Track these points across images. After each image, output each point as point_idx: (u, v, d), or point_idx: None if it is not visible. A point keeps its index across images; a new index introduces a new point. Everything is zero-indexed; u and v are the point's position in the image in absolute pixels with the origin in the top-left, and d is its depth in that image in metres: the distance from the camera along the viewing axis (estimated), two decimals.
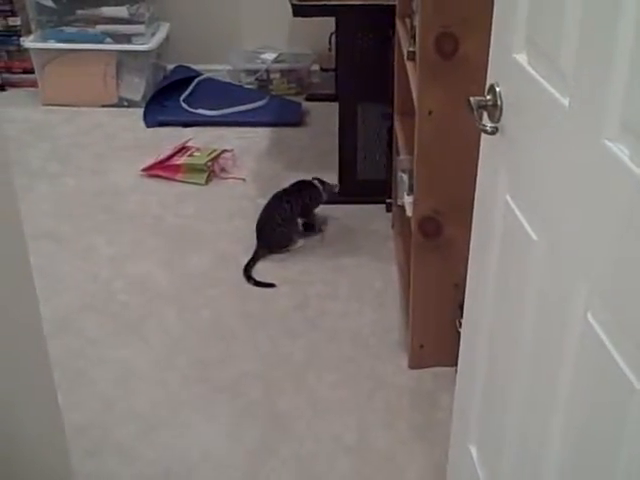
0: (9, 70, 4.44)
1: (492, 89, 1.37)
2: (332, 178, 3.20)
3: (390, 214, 3.12)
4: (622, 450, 0.97)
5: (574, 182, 1.08)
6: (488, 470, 1.62)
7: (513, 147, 1.35)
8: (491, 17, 1.39)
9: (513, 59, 1.29)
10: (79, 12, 4.14)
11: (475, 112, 1.40)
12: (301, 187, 3.02)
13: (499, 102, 1.36)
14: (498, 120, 1.38)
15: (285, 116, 4.05)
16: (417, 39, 2.08)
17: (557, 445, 1.19)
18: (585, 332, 1.06)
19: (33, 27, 4.18)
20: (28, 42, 4.16)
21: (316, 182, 3.04)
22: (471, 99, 1.40)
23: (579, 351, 1.09)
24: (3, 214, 1.33)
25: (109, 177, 3.49)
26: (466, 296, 1.72)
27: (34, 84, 4.30)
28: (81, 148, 3.76)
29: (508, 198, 1.39)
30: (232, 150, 3.64)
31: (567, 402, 1.14)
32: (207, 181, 3.45)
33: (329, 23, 3.77)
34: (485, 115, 1.41)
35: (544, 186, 1.22)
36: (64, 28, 4.15)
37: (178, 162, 3.48)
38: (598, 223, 1.00)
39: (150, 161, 3.50)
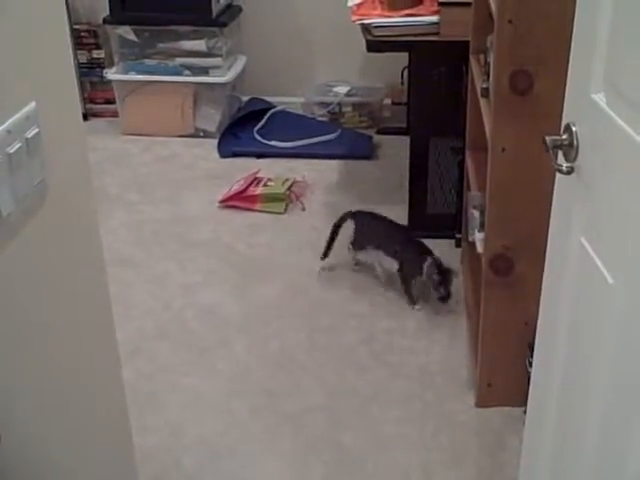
0: (92, 100, 4.60)
1: (568, 128, 1.36)
2: (402, 211, 3.20)
3: (459, 249, 3.10)
4: None
5: None
6: None
7: (589, 187, 1.33)
8: (567, 55, 1.38)
9: (591, 99, 1.27)
10: (160, 45, 4.28)
11: (551, 151, 1.39)
12: (418, 250, 2.80)
13: (575, 142, 1.35)
14: (574, 160, 1.36)
15: (356, 149, 4.07)
16: (491, 76, 2.09)
17: None
18: None
19: (116, 60, 4.33)
20: (111, 74, 4.32)
21: (430, 258, 2.71)
22: (547, 138, 1.38)
23: None
24: (86, 240, 1.38)
25: (184, 206, 3.57)
26: (537, 337, 1.69)
27: (115, 114, 4.45)
28: (157, 177, 3.87)
29: (583, 240, 1.37)
30: (304, 178, 3.70)
31: None
32: (285, 210, 3.50)
33: (402, 57, 3.79)
34: (560, 155, 1.39)
35: (621, 228, 1.20)
36: (145, 61, 4.29)
37: (255, 192, 3.54)
38: None
39: (224, 191, 3.57)
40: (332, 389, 2.39)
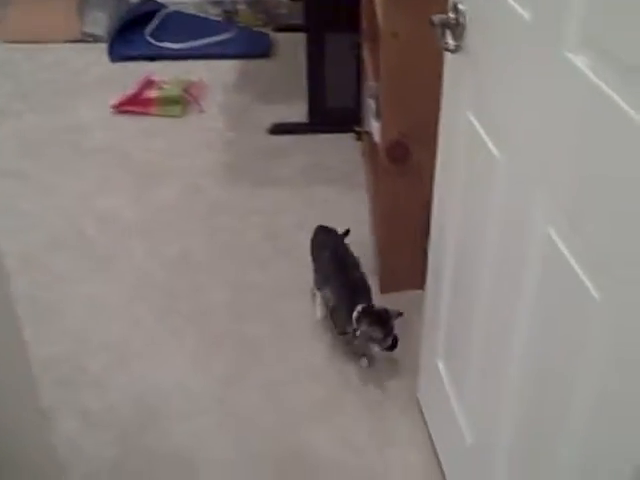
0: None
1: (455, 7, 1.35)
2: (302, 107, 3.16)
3: (360, 142, 3.09)
4: (581, 360, 0.98)
5: (535, 96, 1.07)
6: (455, 383, 1.64)
7: (475, 64, 1.33)
8: None
9: None
10: None
11: (438, 30, 1.38)
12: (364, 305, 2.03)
13: (462, 20, 1.34)
14: (461, 38, 1.36)
15: (253, 48, 3.96)
16: None
17: (520, 356, 1.20)
18: (546, 246, 1.06)
19: None
20: None
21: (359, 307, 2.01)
22: (434, 17, 1.38)
23: (541, 265, 1.09)
24: None
25: (75, 114, 3.41)
26: (432, 215, 1.71)
27: None
28: (46, 85, 3.67)
29: (470, 116, 1.38)
30: (200, 80, 3.58)
31: (530, 315, 1.15)
32: (183, 112, 3.39)
33: None
34: (448, 33, 1.38)
35: (505, 101, 1.20)
36: None
37: (151, 96, 3.41)
38: (559, 136, 1.00)
39: (118, 97, 3.42)
40: (235, 286, 2.38)
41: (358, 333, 1.98)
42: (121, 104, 3.41)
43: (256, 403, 1.98)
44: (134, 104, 3.40)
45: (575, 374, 1.00)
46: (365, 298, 2.05)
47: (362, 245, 2.48)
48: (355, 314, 1.98)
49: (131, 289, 2.39)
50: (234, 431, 1.90)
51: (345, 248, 2.22)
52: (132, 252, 2.55)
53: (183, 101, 3.41)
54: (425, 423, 1.88)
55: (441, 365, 1.72)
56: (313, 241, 2.28)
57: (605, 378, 0.93)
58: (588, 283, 0.94)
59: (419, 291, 2.22)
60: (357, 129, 3.11)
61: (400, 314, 2.02)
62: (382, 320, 1.97)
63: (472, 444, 1.51)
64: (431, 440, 1.83)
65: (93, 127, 3.30)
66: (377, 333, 1.96)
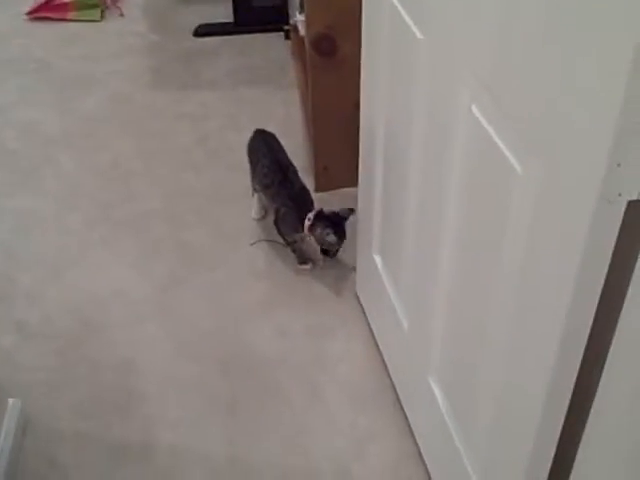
0: None
1: None
2: (227, 7, 3.05)
3: (289, 41, 3.01)
4: (507, 232, 1.00)
5: None
6: (391, 273, 1.66)
7: None
8: None
9: None
10: None
11: None
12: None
13: None
14: None
15: None
16: None
17: (449, 237, 1.22)
18: (471, 124, 1.06)
19: None
20: None
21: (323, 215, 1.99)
22: None
23: (466, 143, 1.09)
24: None
25: None
26: (361, 107, 1.69)
27: None
28: None
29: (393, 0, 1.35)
30: None
31: (457, 194, 1.16)
32: (102, 17, 3.24)
33: None
34: None
35: None
36: None
37: (66, 0, 3.24)
38: (479, 15, 0.98)
39: (31, 3, 3.24)
40: (169, 192, 2.34)
41: (310, 239, 1.99)
42: (35, 10, 3.25)
43: (197, 306, 1.98)
44: (49, 10, 3.24)
45: (499, 248, 1.02)
46: (311, 206, 2.03)
47: (295, 146, 2.46)
48: (307, 222, 1.97)
49: (61, 200, 2.33)
50: (176, 335, 1.90)
51: (285, 154, 2.14)
52: (59, 163, 2.47)
53: (101, 4, 3.26)
54: (365, 316, 1.92)
55: (377, 258, 1.74)
56: (251, 145, 2.18)
57: (528, 249, 0.94)
58: (510, 157, 0.95)
59: (354, 189, 2.23)
60: (285, 27, 3.02)
61: (351, 210, 1.98)
62: (335, 223, 1.96)
63: (409, 330, 1.55)
64: (372, 332, 1.87)
65: (8, 36, 3.14)
66: (331, 237, 1.95)
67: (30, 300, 2.00)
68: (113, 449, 1.65)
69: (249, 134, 2.18)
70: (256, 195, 2.20)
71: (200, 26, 3.14)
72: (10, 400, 1.66)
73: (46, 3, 3.24)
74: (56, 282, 2.05)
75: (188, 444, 1.66)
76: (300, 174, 2.12)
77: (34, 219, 2.26)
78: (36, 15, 3.24)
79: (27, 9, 3.25)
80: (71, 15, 3.23)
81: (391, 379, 1.75)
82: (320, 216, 1.98)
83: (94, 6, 3.24)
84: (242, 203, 2.27)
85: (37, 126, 2.63)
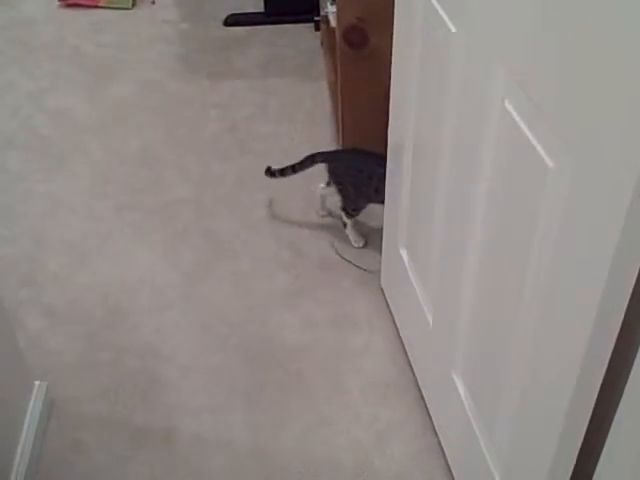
0: None
1: None
2: None
3: (319, 33, 3.01)
4: (537, 229, 0.99)
5: None
6: (417, 268, 1.66)
7: None
8: None
9: None
10: None
11: None
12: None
13: None
14: None
15: None
16: None
17: (479, 233, 1.21)
18: (503, 118, 1.05)
19: None
20: None
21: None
22: None
23: (497, 137, 1.08)
24: None
25: (20, 9, 3.26)
26: (391, 99, 1.69)
27: None
28: None
29: None
30: None
31: (488, 188, 1.15)
32: (132, 4, 3.25)
33: None
34: None
35: None
36: None
37: None
38: (514, 9, 0.98)
39: None
40: (197, 180, 2.35)
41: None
42: None
43: (222, 294, 1.99)
44: None
45: (529, 244, 1.01)
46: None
47: (323, 136, 2.46)
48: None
49: (90, 186, 2.35)
50: (201, 323, 1.92)
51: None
52: (89, 150, 2.49)
53: None
54: (390, 310, 1.92)
55: (404, 253, 1.74)
56: (349, 164, 2.06)
57: (558, 245, 0.94)
58: (542, 152, 0.94)
59: None
60: (315, 18, 3.02)
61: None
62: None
63: (433, 325, 1.54)
64: (396, 326, 1.87)
65: (40, 23, 3.17)
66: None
67: (58, 285, 2.02)
68: (136, 433, 1.66)
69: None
70: (351, 221, 2.10)
71: (230, 15, 3.15)
72: (36, 383, 1.69)
73: None
74: (84, 267, 2.07)
75: (209, 431, 1.67)
76: None
77: (64, 205, 2.28)
78: (68, 2, 3.26)
79: None
80: (103, 2, 3.25)
81: (414, 373, 1.75)
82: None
83: None
84: (269, 192, 2.27)
85: (68, 112, 2.65)
